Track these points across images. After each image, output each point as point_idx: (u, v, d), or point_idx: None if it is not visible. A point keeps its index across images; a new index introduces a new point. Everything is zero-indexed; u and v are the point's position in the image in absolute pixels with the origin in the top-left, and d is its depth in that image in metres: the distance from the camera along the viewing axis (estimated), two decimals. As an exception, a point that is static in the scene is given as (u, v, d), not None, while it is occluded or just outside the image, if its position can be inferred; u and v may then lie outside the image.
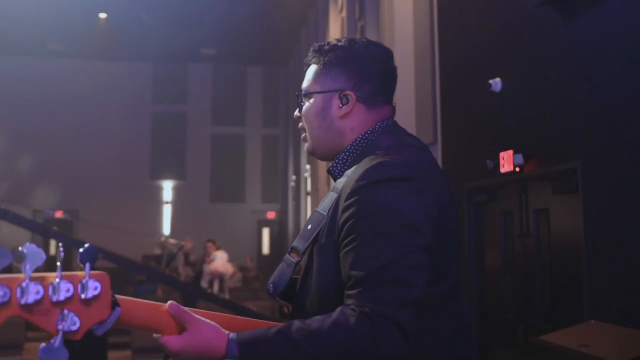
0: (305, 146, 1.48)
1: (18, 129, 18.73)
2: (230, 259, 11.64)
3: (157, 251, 14.94)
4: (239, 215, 20.11)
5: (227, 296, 10.29)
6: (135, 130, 19.94)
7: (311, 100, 1.42)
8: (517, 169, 4.40)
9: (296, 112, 1.48)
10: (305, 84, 1.46)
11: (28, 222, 7.11)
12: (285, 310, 1.43)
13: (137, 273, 10.21)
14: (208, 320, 1.16)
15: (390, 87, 1.43)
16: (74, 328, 1.02)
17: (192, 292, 6.76)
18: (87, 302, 1.05)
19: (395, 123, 1.42)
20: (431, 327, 1.23)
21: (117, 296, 1.14)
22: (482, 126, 5.11)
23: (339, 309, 1.13)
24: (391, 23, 7.36)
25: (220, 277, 10.66)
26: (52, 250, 18.76)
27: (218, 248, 11.35)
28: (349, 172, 1.31)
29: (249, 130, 21.00)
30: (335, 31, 12.25)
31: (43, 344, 1.01)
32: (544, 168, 4.18)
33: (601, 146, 3.55)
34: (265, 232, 20.68)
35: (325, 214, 1.30)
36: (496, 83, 4.73)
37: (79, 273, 1.07)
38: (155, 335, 1.17)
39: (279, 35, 17.43)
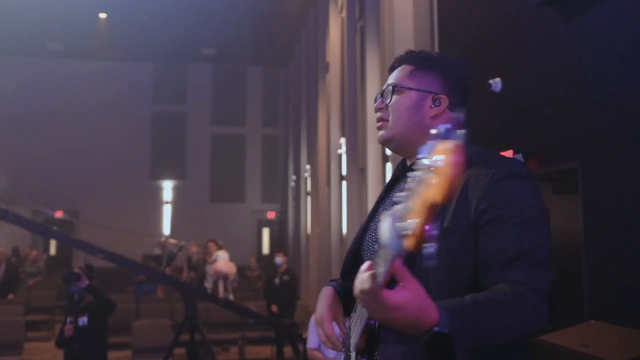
0: (380, 133, 1.57)
1: (18, 129, 18.73)
2: (231, 259, 11.64)
3: (157, 251, 14.94)
4: (239, 215, 20.11)
5: (231, 296, 10.27)
6: (135, 130, 19.94)
7: (403, 95, 1.52)
8: (508, 158, 4.38)
9: (378, 103, 1.57)
10: (396, 80, 1.55)
11: (28, 222, 7.10)
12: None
13: (137, 273, 10.20)
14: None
15: (467, 102, 1.58)
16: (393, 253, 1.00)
17: (192, 292, 6.75)
18: None
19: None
20: None
21: None
22: (482, 126, 5.11)
23: (504, 286, 1.23)
24: (391, 23, 7.36)
25: (224, 277, 10.63)
26: (52, 250, 18.78)
27: (220, 248, 11.33)
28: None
29: (249, 130, 21.00)
30: (335, 31, 12.25)
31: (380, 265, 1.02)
32: (544, 168, 4.18)
33: (601, 146, 3.55)
34: (265, 232, 20.68)
35: None
36: (496, 83, 4.73)
37: None
38: (367, 284, 1.08)
39: (279, 35, 17.43)
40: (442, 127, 0.96)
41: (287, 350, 8.58)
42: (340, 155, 11.85)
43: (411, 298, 1.07)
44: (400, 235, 0.93)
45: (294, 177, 18.05)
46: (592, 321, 3.31)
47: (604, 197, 3.52)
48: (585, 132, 3.72)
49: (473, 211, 1.31)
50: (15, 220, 6.46)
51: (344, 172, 11.01)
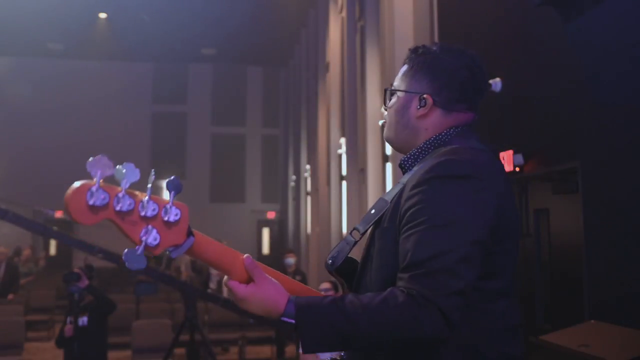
0: (384, 133, 1.62)
1: (18, 129, 18.73)
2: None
3: (157, 251, 14.89)
4: (239, 215, 20.11)
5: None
6: (135, 130, 19.94)
7: (396, 97, 1.55)
8: (517, 169, 4.40)
9: (384, 105, 1.62)
10: (395, 81, 1.58)
11: (28, 222, 7.09)
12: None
13: (137, 273, 10.19)
14: (274, 280, 1.30)
15: (473, 95, 1.52)
16: (154, 243, 1.18)
17: (192, 292, 6.75)
18: (168, 224, 1.21)
19: (469, 129, 1.54)
20: (476, 320, 1.30)
21: (195, 231, 1.28)
22: (482, 126, 5.11)
23: (389, 289, 1.23)
24: (391, 23, 7.36)
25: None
26: (53, 250, 18.78)
27: None
28: (416, 167, 1.44)
29: (249, 130, 21.00)
30: (335, 31, 12.25)
31: (126, 250, 1.18)
32: (544, 168, 4.18)
33: (601, 146, 3.55)
34: (265, 232, 20.68)
35: (389, 201, 1.41)
36: (496, 83, 4.73)
37: (164, 199, 1.23)
38: (225, 278, 1.31)
39: (279, 35, 17.42)
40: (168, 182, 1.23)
41: (288, 350, 8.58)
42: (340, 155, 11.86)
43: (256, 291, 1.26)
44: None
45: (294, 177, 18.05)
46: (592, 321, 3.31)
47: (604, 197, 3.52)
48: (585, 132, 3.72)
49: (400, 211, 1.34)
50: (15, 220, 6.45)
51: (344, 172, 11.01)
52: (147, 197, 1.21)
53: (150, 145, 20.25)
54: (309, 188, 15.43)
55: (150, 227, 1.19)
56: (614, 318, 3.24)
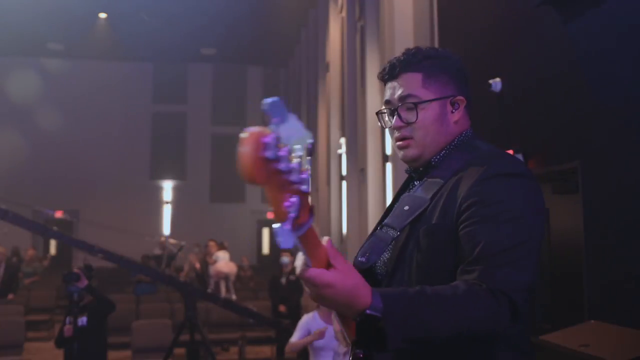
0: (407, 153, 1.51)
1: (18, 129, 18.73)
2: (231, 259, 11.63)
3: (157, 251, 14.92)
4: (239, 215, 20.11)
5: (234, 297, 10.23)
6: (135, 130, 19.94)
7: (425, 108, 1.47)
8: (509, 156, 4.38)
9: (397, 122, 1.49)
10: (410, 91, 1.48)
11: (28, 222, 7.09)
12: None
13: (137, 273, 10.20)
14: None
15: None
16: (292, 217, 1.03)
17: (192, 292, 6.75)
18: (305, 196, 1.05)
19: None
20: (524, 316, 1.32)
21: None
22: (482, 126, 5.10)
23: (461, 282, 1.22)
24: (391, 23, 7.36)
25: (226, 277, 10.59)
26: (53, 250, 18.78)
27: (220, 248, 11.29)
28: (453, 163, 1.43)
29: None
30: (335, 31, 12.25)
31: (277, 225, 1.03)
32: (544, 168, 4.18)
33: (601, 146, 3.55)
34: (265, 232, 20.68)
35: (427, 197, 1.40)
36: (496, 83, 4.73)
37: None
38: (300, 268, 1.14)
39: (279, 35, 17.42)
40: (267, 102, 0.98)
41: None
42: (340, 155, 11.86)
43: (342, 278, 1.11)
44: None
45: (294, 177, 18.03)
46: (592, 321, 3.31)
47: (604, 197, 3.51)
48: (585, 132, 3.72)
49: (457, 209, 1.32)
50: (15, 220, 6.46)
51: (344, 172, 11.01)
52: (304, 159, 1.00)
53: (150, 145, 20.25)
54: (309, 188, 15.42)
55: (295, 198, 1.02)
56: (614, 318, 3.24)
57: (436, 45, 6.17)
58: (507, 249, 1.24)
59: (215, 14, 15.30)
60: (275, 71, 21.22)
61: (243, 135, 0.99)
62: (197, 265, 11.02)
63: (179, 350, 7.47)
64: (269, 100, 1.00)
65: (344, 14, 11.22)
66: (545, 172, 4.18)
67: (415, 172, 1.56)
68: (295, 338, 4.41)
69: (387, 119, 1.54)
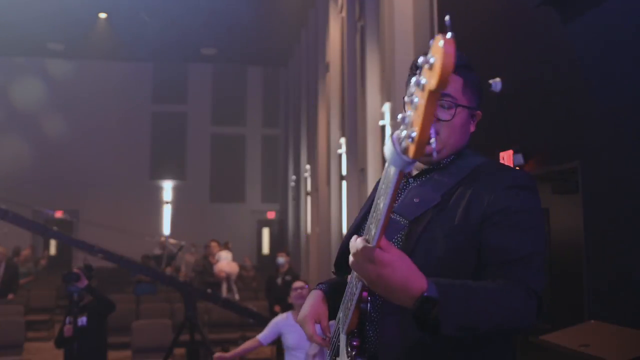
0: (431, 147, 1.54)
1: (18, 129, 18.73)
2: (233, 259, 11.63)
3: (157, 251, 14.92)
4: (239, 215, 20.11)
5: (236, 296, 10.22)
6: (135, 130, 19.94)
7: (460, 112, 1.56)
8: (517, 169, 4.39)
9: (444, 115, 1.53)
10: (452, 92, 1.55)
11: (28, 222, 7.10)
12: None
13: (137, 273, 10.20)
14: None
15: None
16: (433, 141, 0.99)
17: (192, 292, 6.75)
18: None
19: None
20: None
21: None
22: (482, 126, 5.10)
23: (499, 281, 1.31)
24: (391, 23, 7.36)
25: (228, 277, 10.58)
26: (53, 250, 18.78)
27: (224, 248, 11.30)
28: (461, 167, 1.52)
29: (249, 130, 21.00)
30: (335, 31, 12.25)
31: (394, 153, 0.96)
32: (544, 168, 4.18)
33: (601, 146, 3.55)
34: (265, 232, 20.68)
35: (437, 195, 1.46)
36: (496, 83, 4.73)
37: None
38: (363, 246, 1.14)
39: (279, 35, 17.43)
40: (447, 18, 1.00)
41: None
42: (340, 155, 11.85)
43: (400, 259, 1.15)
44: (401, 149, 0.97)
45: (294, 177, 18.05)
46: (592, 321, 3.31)
47: (604, 197, 3.51)
48: (585, 132, 3.72)
49: (482, 212, 1.41)
50: (15, 220, 6.46)
51: (344, 172, 11.01)
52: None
53: (150, 145, 20.25)
54: (309, 188, 15.43)
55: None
56: (614, 318, 3.24)
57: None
58: (534, 253, 1.37)
59: (215, 14, 15.30)
60: (275, 71, 21.22)
61: (442, 46, 0.91)
62: (194, 259, 11.00)
63: (179, 350, 7.47)
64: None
65: (344, 14, 11.22)
66: (545, 172, 4.18)
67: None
68: (262, 335, 4.63)
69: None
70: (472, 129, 1.62)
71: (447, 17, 1.01)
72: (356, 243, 1.17)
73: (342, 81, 11.29)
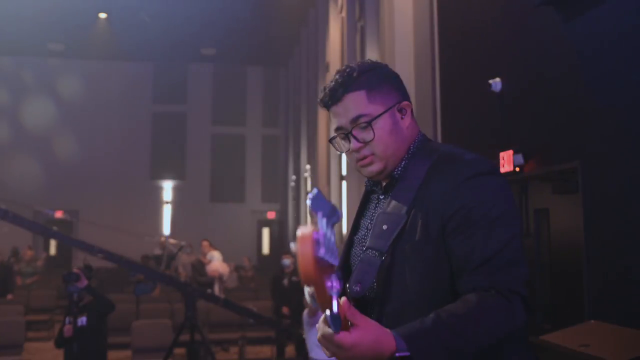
0: (371, 169, 1.50)
1: (18, 129, 18.73)
2: (227, 259, 11.62)
3: (157, 251, 14.91)
4: (239, 215, 20.11)
5: (222, 296, 10.21)
6: (136, 130, 19.94)
7: (378, 123, 1.46)
8: (517, 169, 4.40)
9: (354, 144, 1.47)
10: (359, 111, 1.46)
11: (28, 222, 7.09)
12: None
13: (137, 273, 10.19)
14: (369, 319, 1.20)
15: None
16: (334, 293, 1.02)
17: (192, 292, 6.75)
18: (332, 267, 1.04)
19: None
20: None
21: None
22: (482, 126, 5.11)
23: (471, 295, 1.24)
24: (391, 23, 7.36)
25: (220, 277, 10.58)
26: (53, 250, 18.79)
27: (213, 247, 11.28)
28: (417, 172, 1.43)
29: (249, 130, 21.00)
30: (335, 31, 12.25)
31: (328, 313, 1.03)
32: (544, 168, 4.18)
33: (601, 146, 3.55)
34: (265, 232, 20.68)
35: (402, 213, 1.39)
36: (496, 83, 4.73)
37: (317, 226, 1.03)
38: (324, 332, 1.15)
39: (279, 35, 17.43)
40: (310, 197, 1.02)
41: (288, 350, 8.58)
42: (340, 155, 11.85)
43: (363, 335, 1.13)
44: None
45: (294, 177, 18.05)
46: (592, 321, 3.31)
47: (604, 197, 3.51)
48: (585, 132, 3.72)
49: (440, 217, 1.33)
50: (15, 220, 6.45)
51: (344, 172, 11.01)
52: (329, 234, 1.01)
53: (150, 145, 20.25)
54: (309, 188, 15.43)
55: (333, 275, 1.02)
56: (614, 318, 3.24)
57: (436, 45, 6.17)
58: (502, 249, 1.27)
59: (215, 14, 15.30)
60: (275, 71, 21.21)
61: (298, 235, 0.99)
62: (192, 259, 10.99)
63: (179, 350, 7.47)
64: (311, 195, 1.02)
65: (344, 14, 11.22)
66: (545, 172, 4.18)
67: (376, 185, 1.55)
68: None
69: (341, 143, 1.51)
70: (407, 121, 1.49)
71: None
72: (320, 326, 1.17)
73: (342, 81, 11.27)
